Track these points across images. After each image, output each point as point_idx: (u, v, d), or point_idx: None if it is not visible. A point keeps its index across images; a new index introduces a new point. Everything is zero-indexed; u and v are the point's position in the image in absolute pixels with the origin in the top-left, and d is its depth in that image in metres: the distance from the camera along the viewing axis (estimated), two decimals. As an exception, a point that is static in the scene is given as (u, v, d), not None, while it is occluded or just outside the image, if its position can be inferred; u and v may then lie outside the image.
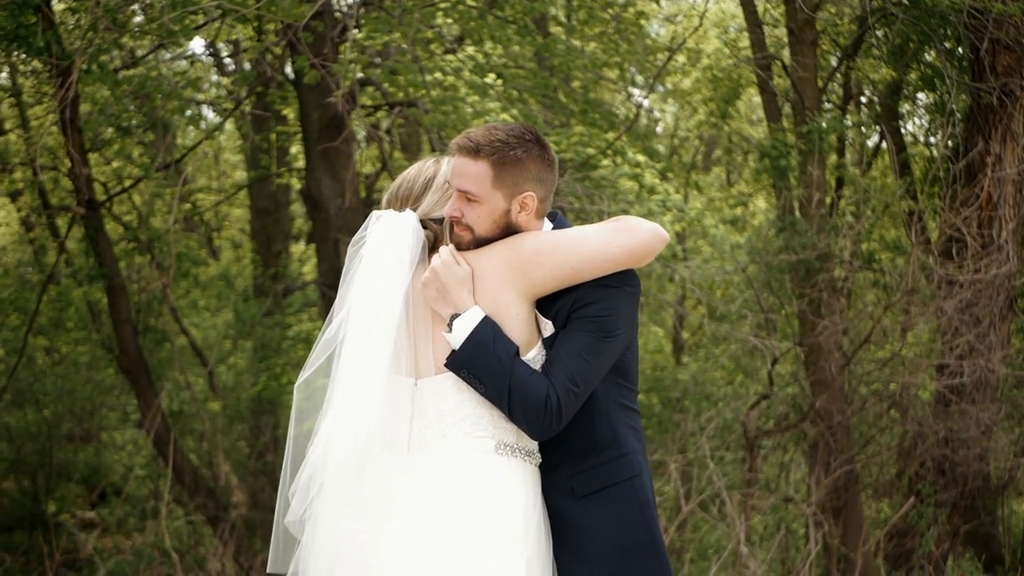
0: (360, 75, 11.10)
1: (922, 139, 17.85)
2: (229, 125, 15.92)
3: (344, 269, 4.86)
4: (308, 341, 15.88)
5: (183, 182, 12.38)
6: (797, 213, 13.21)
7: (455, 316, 4.68)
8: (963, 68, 12.88)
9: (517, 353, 4.68)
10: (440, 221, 4.84)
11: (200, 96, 14.17)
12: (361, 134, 13.88)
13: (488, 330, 4.64)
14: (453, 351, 4.68)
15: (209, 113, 15.04)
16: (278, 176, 15.36)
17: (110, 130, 11.89)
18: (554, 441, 4.82)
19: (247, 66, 14.86)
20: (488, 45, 11.48)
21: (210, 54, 15.23)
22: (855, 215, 13.71)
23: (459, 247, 4.79)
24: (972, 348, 12.02)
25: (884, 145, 17.38)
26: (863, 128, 15.97)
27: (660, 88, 19.10)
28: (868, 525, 13.38)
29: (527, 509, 4.73)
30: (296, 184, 15.55)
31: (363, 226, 4.86)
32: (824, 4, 13.46)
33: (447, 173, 4.86)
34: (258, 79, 12.61)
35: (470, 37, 11.65)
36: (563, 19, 14.07)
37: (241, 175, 20.27)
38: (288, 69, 12.22)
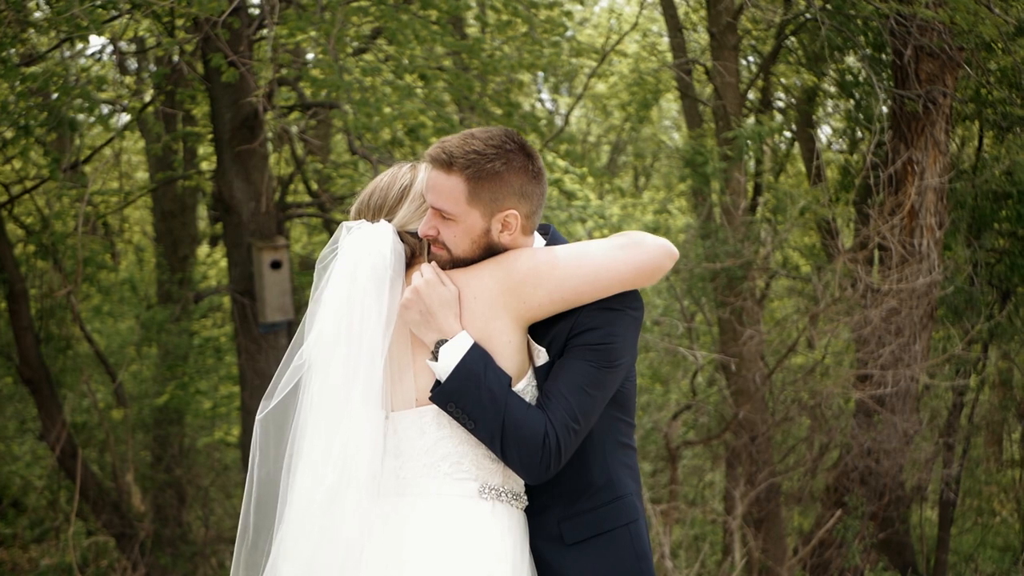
0: (277, 75, 10.70)
1: (837, 146, 17.84)
2: (134, 127, 15.47)
3: (313, 287, 4.32)
4: (217, 349, 15.49)
5: (81, 180, 11.86)
6: (717, 220, 13.04)
7: (441, 343, 4.14)
8: (885, 75, 12.77)
9: (511, 385, 4.16)
10: (418, 234, 4.32)
11: (103, 95, 13.68)
12: (272, 136, 13.49)
13: (479, 359, 4.10)
14: (438, 382, 4.15)
15: (123, 117, 14.54)
16: (187, 178, 14.88)
17: (10, 129, 11.38)
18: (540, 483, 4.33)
19: (152, 66, 14.41)
20: (411, 44, 11.11)
21: (113, 52, 14.72)
22: (776, 222, 13.57)
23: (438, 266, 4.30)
24: (896, 358, 11.90)
25: (796, 151, 17.37)
26: (782, 134, 15.89)
27: (567, 91, 18.91)
28: (790, 537, 13.26)
29: (515, 561, 4.19)
30: (206, 187, 15.08)
31: (332, 239, 4.33)
32: (745, 9, 13.28)
33: (424, 182, 4.33)
34: (169, 77, 12.16)
35: (391, 36, 11.29)
36: (482, 19, 13.77)
37: (143, 176, 19.74)
38: (200, 67, 11.76)
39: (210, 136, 13.13)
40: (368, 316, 4.14)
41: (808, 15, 13.23)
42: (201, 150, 15.69)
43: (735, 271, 12.23)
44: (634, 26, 15.23)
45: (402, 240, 4.30)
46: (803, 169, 17.95)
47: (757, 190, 15.27)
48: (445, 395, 4.10)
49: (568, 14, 12.48)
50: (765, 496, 12.37)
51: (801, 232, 15.48)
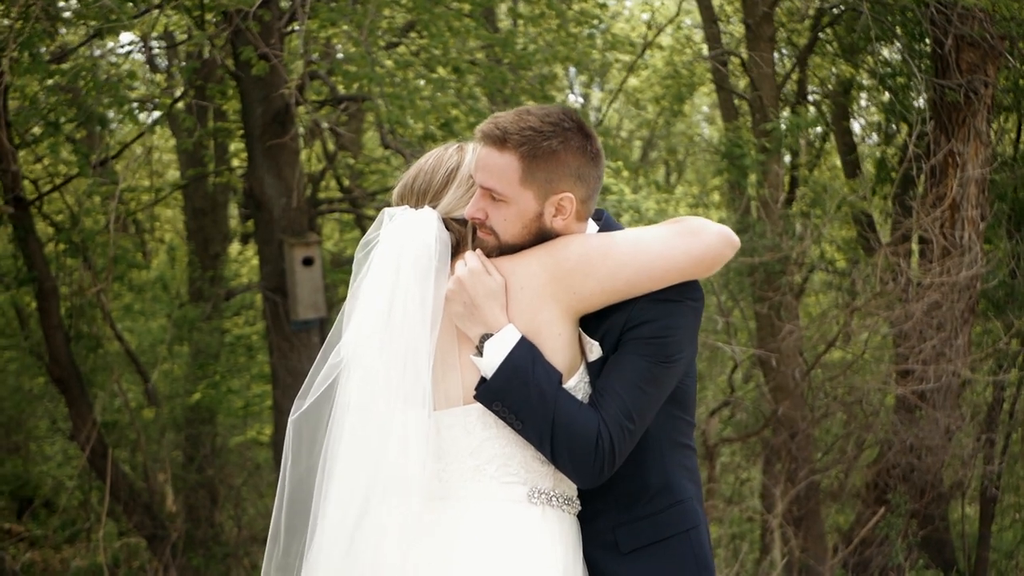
0: (308, 68, 10.56)
1: (872, 139, 17.64)
2: (164, 125, 15.40)
3: (352, 278, 4.04)
4: (248, 347, 15.39)
5: (112, 178, 11.74)
6: (754, 214, 12.87)
7: (486, 337, 3.86)
8: (924, 65, 12.57)
9: (561, 382, 3.87)
10: (464, 222, 4.03)
11: (133, 93, 13.60)
12: (303, 131, 13.37)
13: (527, 354, 3.82)
14: (484, 380, 3.87)
15: (154, 113, 14.45)
16: (217, 175, 14.77)
17: (39, 126, 11.28)
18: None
19: (183, 61, 14.30)
20: (444, 36, 10.96)
21: (143, 48, 14.63)
22: (814, 216, 13.38)
23: (484, 253, 3.99)
24: (938, 352, 11.69)
25: (831, 145, 17.18)
26: (817, 127, 15.70)
27: (599, 86, 18.76)
28: (829, 535, 13.09)
29: (567, 570, 3.91)
30: (237, 183, 14.97)
31: (373, 225, 4.05)
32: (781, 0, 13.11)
33: (472, 164, 4.02)
34: (199, 71, 12.04)
35: (424, 28, 11.15)
36: (515, 11, 13.62)
37: (174, 174, 19.70)
38: (230, 62, 11.64)
39: (241, 132, 12.99)
40: (411, 310, 3.88)
41: (844, 5, 13.06)
42: (232, 146, 15.56)
43: (773, 265, 12.04)
44: (674, 18, 15.02)
45: (447, 228, 4.01)
46: (838, 163, 17.78)
47: (793, 183, 15.07)
48: (491, 393, 3.84)
49: (602, 6, 12.32)
50: (805, 494, 12.18)
51: (839, 226, 15.29)
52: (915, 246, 13.13)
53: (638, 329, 3.88)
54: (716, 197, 18.24)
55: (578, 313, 3.91)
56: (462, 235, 4.03)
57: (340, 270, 15.87)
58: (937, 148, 12.02)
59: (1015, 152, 14.36)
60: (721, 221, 14.27)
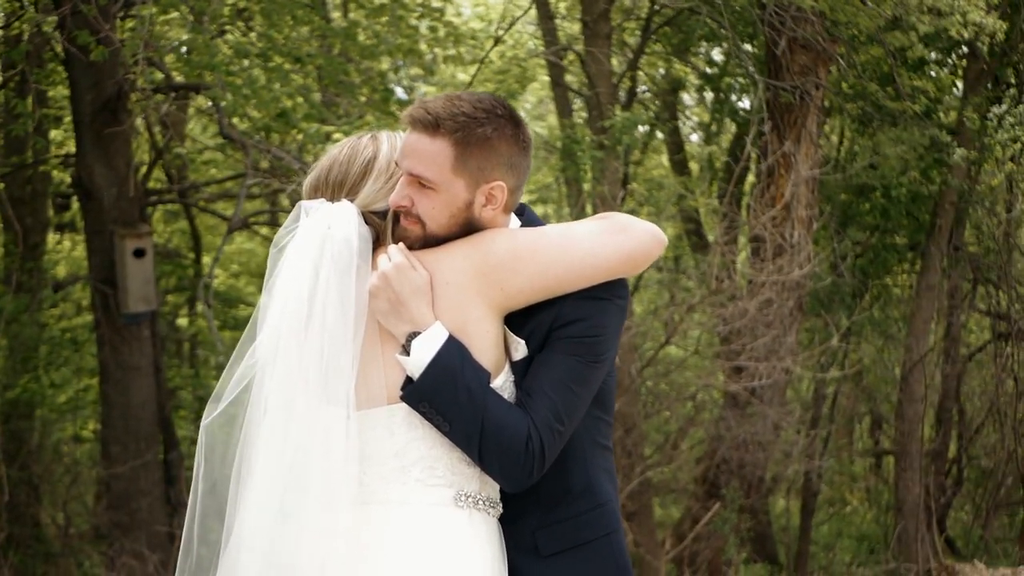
0: (145, 54, 10.27)
1: (696, 137, 17.94)
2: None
3: (266, 275, 3.82)
4: (74, 340, 14.96)
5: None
6: (590, 210, 12.94)
7: (413, 335, 3.69)
8: (759, 67, 12.80)
9: (489, 382, 3.72)
10: (384, 215, 3.84)
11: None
12: (138, 120, 13.02)
13: (455, 353, 3.67)
14: (410, 380, 3.71)
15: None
16: (42, 163, 14.31)
17: None
18: None
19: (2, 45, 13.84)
20: (281, 24, 10.76)
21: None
22: (647, 213, 13.53)
23: (405, 245, 3.80)
24: (769, 350, 11.90)
25: (659, 141, 17.43)
26: (648, 125, 15.90)
27: (427, 80, 18.64)
28: (660, 529, 13.24)
29: (495, 574, 3.79)
30: (61, 173, 14.53)
31: (288, 220, 3.83)
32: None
33: (391, 153, 3.86)
34: (29, 56, 11.64)
35: (263, 15, 10.93)
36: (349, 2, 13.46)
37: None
38: (58, 47, 11.29)
39: (68, 119, 12.60)
40: (331, 308, 3.70)
41: (677, 6, 13.21)
42: (54, 134, 15.09)
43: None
44: (519, 18, 14.99)
45: (366, 222, 3.83)
46: (665, 162, 18.04)
47: (625, 180, 15.22)
48: (418, 394, 3.68)
49: (446, -1, 12.24)
50: (638, 489, 12.29)
51: (667, 223, 15.48)
52: (744, 244, 13.38)
53: (568, 328, 3.77)
54: (553, 193, 18.32)
55: (505, 310, 3.78)
56: (381, 228, 3.85)
57: (167, 262, 15.53)
58: (772, 148, 12.22)
59: (837, 154, 14.73)
60: (557, 218, 14.33)
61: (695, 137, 18.66)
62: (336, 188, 3.86)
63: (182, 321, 17.59)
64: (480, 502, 3.79)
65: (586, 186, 12.82)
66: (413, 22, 11.94)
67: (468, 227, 3.82)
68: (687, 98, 18.09)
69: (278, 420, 3.69)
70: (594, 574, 3.91)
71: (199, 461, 3.83)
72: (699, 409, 12.81)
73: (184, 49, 10.71)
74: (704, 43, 14.07)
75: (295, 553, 3.66)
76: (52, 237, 18.73)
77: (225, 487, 3.79)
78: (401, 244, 3.80)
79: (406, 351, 3.71)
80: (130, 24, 10.87)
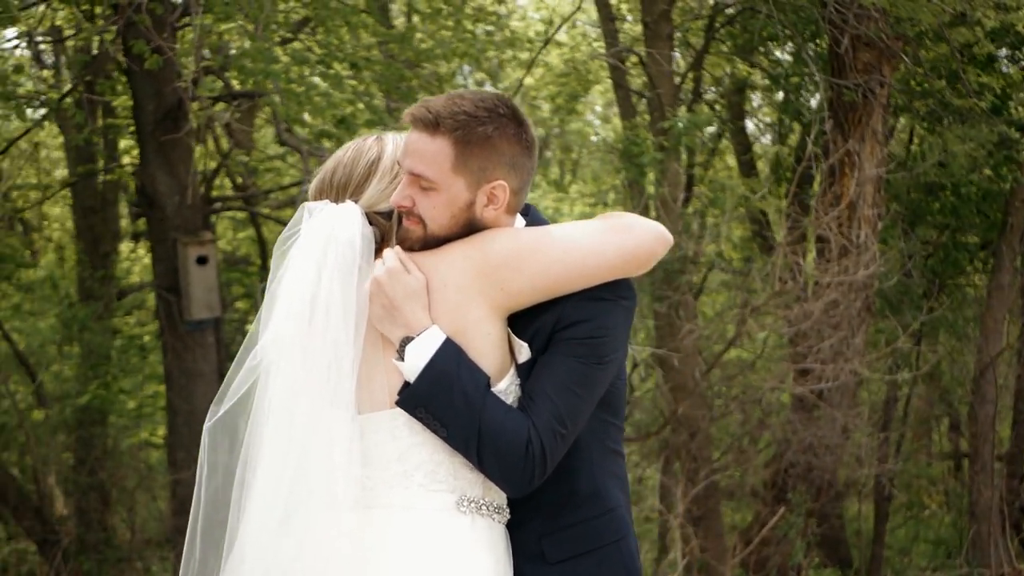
0: (204, 63, 10.34)
1: (767, 139, 17.78)
2: (51, 122, 15.03)
3: (269, 277, 3.81)
4: (141, 347, 15.11)
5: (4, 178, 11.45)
6: (653, 213, 12.86)
7: (407, 340, 3.64)
8: (822, 65, 12.65)
9: (488, 386, 3.65)
10: (389, 215, 3.80)
11: (20, 89, 13.26)
12: (201, 128, 13.09)
13: (451, 357, 3.61)
14: (407, 384, 3.65)
15: (39, 110, 14.10)
16: (108, 172, 14.46)
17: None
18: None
19: (71, 57, 13.99)
20: (340, 28, 10.78)
21: (29, 42, 14.28)
22: (712, 215, 13.42)
23: (406, 245, 3.76)
24: (836, 352, 11.75)
25: (726, 145, 17.29)
26: (713, 126, 15.77)
27: (495, 85, 18.64)
28: (728, 534, 13.13)
29: None
30: (129, 181, 14.67)
31: (292, 222, 3.80)
32: (678, -2, 13.14)
33: (396, 153, 3.81)
34: (89, 66, 11.76)
35: (320, 24, 10.98)
36: (413, 6, 13.48)
37: (63, 172, 19.30)
38: (121, 57, 11.38)
39: (132, 128, 12.72)
40: (334, 310, 3.66)
41: (740, 5, 13.12)
42: (123, 143, 15.26)
43: (672, 264, 12.03)
44: (570, 17, 14.95)
45: (372, 223, 3.80)
46: (732, 163, 17.90)
47: (690, 182, 15.11)
48: (414, 399, 3.63)
49: (501, 1, 12.23)
50: (704, 493, 12.19)
51: (735, 225, 15.36)
52: (812, 245, 13.22)
53: (570, 329, 3.70)
54: (612, 196, 18.25)
55: (507, 311, 3.72)
56: (386, 229, 3.82)
57: (234, 270, 15.65)
58: (835, 148, 12.07)
59: (907, 153, 14.53)
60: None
61: (767, 138, 18.51)
62: (340, 190, 3.82)
63: (250, 327, 17.70)
64: (484, 507, 3.73)
65: (649, 188, 12.75)
66: (469, 26, 11.93)
67: (470, 227, 3.76)
68: (756, 99, 17.96)
69: (281, 422, 3.66)
70: None
71: (202, 464, 3.80)
72: (766, 412, 12.67)
73: (236, 55, 10.74)
74: (769, 43, 13.92)
75: (298, 557, 3.62)
76: (127, 246, 18.97)
77: (228, 490, 3.76)
78: (397, 247, 3.76)
79: (401, 356, 3.67)
80: (189, 34, 10.95)
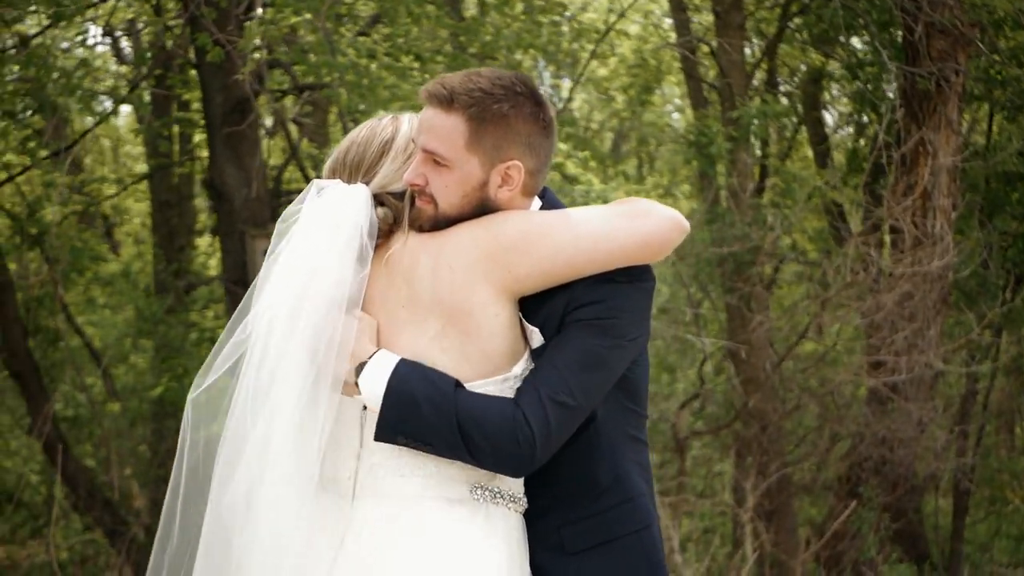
0: (267, 56, 10.36)
1: (845, 130, 17.56)
2: (131, 117, 15.20)
3: (268, 251, 3.71)
4: (213, 340, 15.19)
5: (75, 170, 11.55)
6: (724, 203, 12.74)
7: (360, 367, 3.56)
8: (896, 54, 12.44)
9: (457, 384, 3.54)
10: (401, 196, 3.70)
11: (99, 85, 13.38)
12: (269, 121, 13.17)
13: (407, 375, 3.51)
14: (378, 419, 3.53)
15: (108, 102, 14.22)
16: (180, 165, 14.57)
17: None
18: (540, 481, 3.69)
19: (147, 53, 14.12)
20: (405, 23, 10.76)
21: (106, 35, 14.42)
22: (785, 206, 13.25)
23: (416, 225, 3.67)
24: (910, 344, 11.56)
25: (803, 135, 17.09)
26: (789, 118, 15.59)
27: (571, 79, 18.59)
28: (801, 529, 12.97)
29: (512, 574, 3.60)
30: (200, 174, 14.80)
31: (299, 198, 3.73)
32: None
33: (410, 132, 3.73)
34: (157, 60, 11.85)
35: (387, 17, 10.96)
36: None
37: (143, 168, 19.52)
38: (191, 50, 11.47)
39: (202, 122, 12.81)
40: (329, 291, 3.57)
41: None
42: (197, 137, 15.38)
43: (743, 256, 11.89)
44: (633, 3, 14.82)
45: (383, 203, 3.71)
46: (810, 154, 17.70)
47: (764, 173, 14.94)
48: (388, 429, 3.53)
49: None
50: (776, 487, 12.04)
51: (811, 216, 15.18)
52: (887, 236, 13.02)
53: (581, 310, 3.59)
54: (687, 187, 18.14)
55: (515, 295, 3.60)
56: (399, 210, 3.72)
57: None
58: (908, 137, 11.87)
59: (987, 142, 14.26)
60: (691, 211, 14.14)
61: (847, 129, 18.30)
62: (353, 170, 3.75)
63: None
64: (498, 496, 3.64)
65: (720, 179, 12.63)
66: (539, 18, 11.88)
67: (482, 208, 3.67)
68: (834, 88, 17.77)
69: (263, 401, 3.56)
70: (624, 572, 3.71)
71: (183, 438, 3.70)
72: (839, 405, 12.49)
73: (295, 47, 10.74)
74: (844, 32, 13.74)
75: (286, 544, 3.53)
76: (204, 239, 19.15)
77: (210, 466, 3.65)
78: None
79: (357, 386, 3.58)
80: (269, 30, 10.99)
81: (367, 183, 3.72)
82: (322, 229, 3.62)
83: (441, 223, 3.66)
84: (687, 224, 3.72)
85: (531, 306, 3.65)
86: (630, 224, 3.60)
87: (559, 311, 3.61)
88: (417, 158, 3.66)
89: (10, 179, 12.38)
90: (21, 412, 15.33)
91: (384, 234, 3.70)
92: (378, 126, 3.80)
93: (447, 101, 3.58)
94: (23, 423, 15.24)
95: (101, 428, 13.72)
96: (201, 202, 18.78)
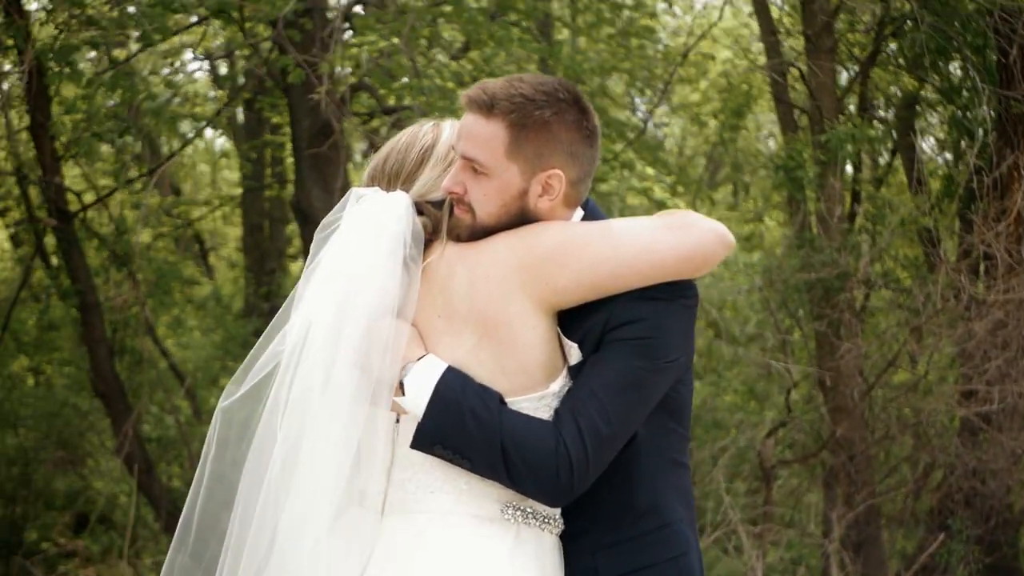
0: (352, 80, 10.39)
1: (939, 154, 17.29)
2: (228, 143, 15.34)
3: (307, 260, 3.63)
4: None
5: (162, 192, 11.68)
6: (814, 229, 12.56)
7: (405, 370, 3.45)
8: (989, 77, 12.22)
9: (501, 401, 3.42)
10: (440, 205, 3.61)
11: (198, 109, 13.53)
12: (359, 147, 13.22)
13: (455, 383, 3.40)
14: (418, 424, 3.43)
15: (208, 131, 14.37)
16: (268, 188, 14.68)
17: (90, 139, 11.16)
18: (576, 502, 3.52)
19: (242, 78, 14.26)
20: (490, 48, 10.74)
21: (203, 59, 14.57)
22: (874, 232, 13.05)
23: (454, 235, 3.58)
24: (1003, 373, 11.29)
25: (898, 160, 16.85)
26: (881, 142, 15.37)
27: (666, 104, 18.49)
28: (891, 561, 12.73)
29: None
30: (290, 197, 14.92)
31: (338, 206, 3.64)
32: (841, 10, 12.79)
33: (451, 139, 3.62)
34: (246, 83, 11.96)
35: (475, 45, 10.96)
36: (568, 20, 13.41)
37: (239, 192, 19.74)
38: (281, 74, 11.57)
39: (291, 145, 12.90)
40: (371, 301, 3.47)
41: (905, 16, 12.76)
42: (288, 160, 15.52)
43: (832, 282, 11.70)
44: (718, 20, 14.68)
45: (422, 212, 3.61)
46: (904, 179, 17.45)
47: (856, 198, 14.72)
48: (427, 437, 3.42)
49: (653, 15, 12.09)
50: (864, 518, 11.81)
51: (904, 243, 14.92)
52: (980, 263, 12.77)
53: (621, 329, 3.46)
54: (779, 214, 17.93)
55: (553, 307, 3.49)
56: (437, 219, 3.62)
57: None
58: (1001, 161, 11.64)
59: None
60: (781, 237, 13.97)
61: (945, 156, 18.02)
62: (392, 178, 3.66)
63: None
64: (530, 516, 3.52)
65: (810, 205, 12.46)
66: (635, 41, 11.84)
67: (522, 218, 3.56)
68: (930, 115, 17.52)
69: (297, 416, 3.47)
70: None
71: (209, 446, 3.61)
72: (929, 435, 12.24)
73: (372, 69, 10.76)
74: (935, 56, 13.52)
75: (330, 564, 3.45)
76: (297, 263, 19.29)
77: (236, 475, 3.55)
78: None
79: (401, 390, 3.48)
80: (350, 51, 11.02)
81: (406, 191, 3.63)
82: (362, 237, 3.53)
83: (479, 233, 3.57)
84: (732, 238, 3.60)
85: (569, 322, 3.53)
86: (673, 237, 3.49)
87: (598, 328, 3.49)
88: (456, 165, 3.57)
89: (98, 200, 12.53)
90: (108, 433, 15.52)
91: (426, 244, 3.61)
92: (419, 132, 3.72)
93: (487, 107, 3.49)
94: (109, 444, 15.42)
95: (188, 450, 13.80)
96: (294, 227, 18.94)
